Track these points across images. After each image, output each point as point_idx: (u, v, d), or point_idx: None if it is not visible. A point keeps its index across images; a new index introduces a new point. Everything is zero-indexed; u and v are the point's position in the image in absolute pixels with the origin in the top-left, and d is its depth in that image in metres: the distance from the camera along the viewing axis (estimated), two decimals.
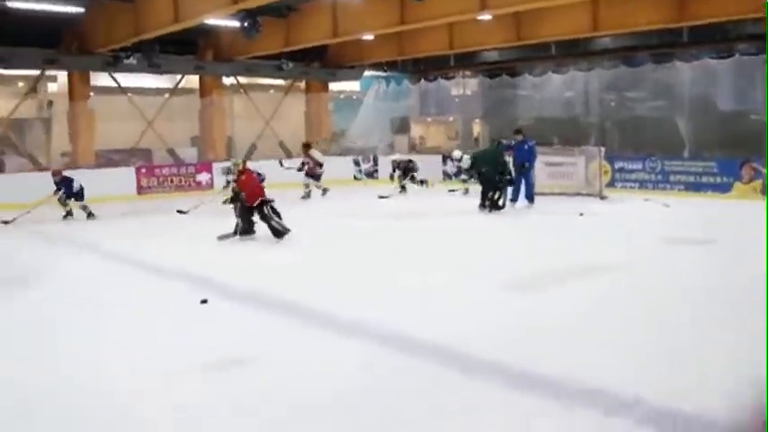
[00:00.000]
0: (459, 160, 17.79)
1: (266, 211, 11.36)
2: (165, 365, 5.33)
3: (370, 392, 4.74)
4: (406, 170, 19.17)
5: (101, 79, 22.24)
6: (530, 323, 6.29)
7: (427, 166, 20.40)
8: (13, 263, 10.20)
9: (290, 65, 22.79)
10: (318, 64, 24.65)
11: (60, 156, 23.64)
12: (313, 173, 18.27)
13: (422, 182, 19.17)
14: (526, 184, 15.48)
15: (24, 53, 19.42)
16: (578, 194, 16.94)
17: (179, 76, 23.69)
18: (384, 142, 26.86)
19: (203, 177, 21.05)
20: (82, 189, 15.28)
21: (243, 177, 11.86)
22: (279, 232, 11.31)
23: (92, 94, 21.44)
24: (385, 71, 26.31)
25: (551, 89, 23.99)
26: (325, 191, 18.55)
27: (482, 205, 14.75)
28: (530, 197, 15.50)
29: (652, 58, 20.78)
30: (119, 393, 4.80)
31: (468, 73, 27.07)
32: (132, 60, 19.63)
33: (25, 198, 16.43)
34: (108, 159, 22.38)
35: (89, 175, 19.40)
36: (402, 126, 28.15)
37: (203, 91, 23.42)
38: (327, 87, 26.10)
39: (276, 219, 11.38)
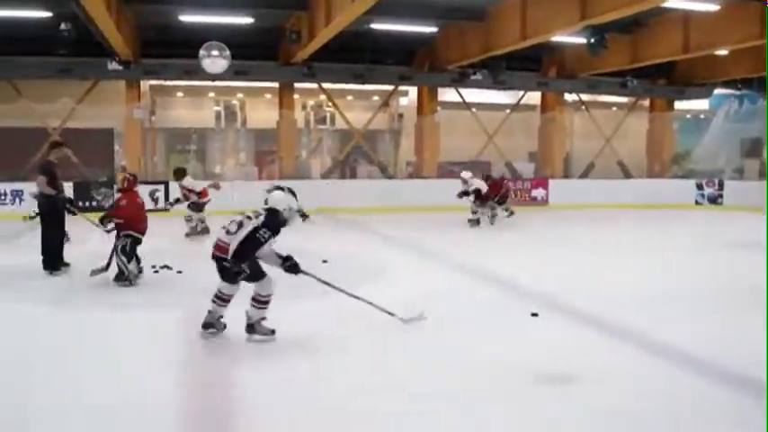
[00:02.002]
0: None
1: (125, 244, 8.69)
2: (490, 375, 5.37)
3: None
4: None
5: (447, 94, 23.35)
6: None
7: None
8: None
9: (635, 82, 22.11)
10: (664, 81, 23.60)
11: (406, 165, 25.22)
12: (197, 203, 13.93)
13: None
14: None
15: (381, 70, 21.05)
16: None
17: (521, 92, 24.06)
18: (731, 166, 24.93)
19: (539, 193, 21.18)
20: None
21: (123, 202, 9.09)
22: (120, 274, 8.69)
23: (438, 108, 22.54)
24: (738, 89, 24.34)
25: None
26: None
27: None
28: None
29: None
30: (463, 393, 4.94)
31: None
32: (478, 77, 20.37)
33: (375, 201, 17.84)
34: (449, 171, 23.37)
35: (431, 185, 20.56)
36: (753, 149, 25.84)
37: (544, 107, 23.57)
38: (673, 105, 24.86)
39: (124, 258, 8.64)
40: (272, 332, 6.17)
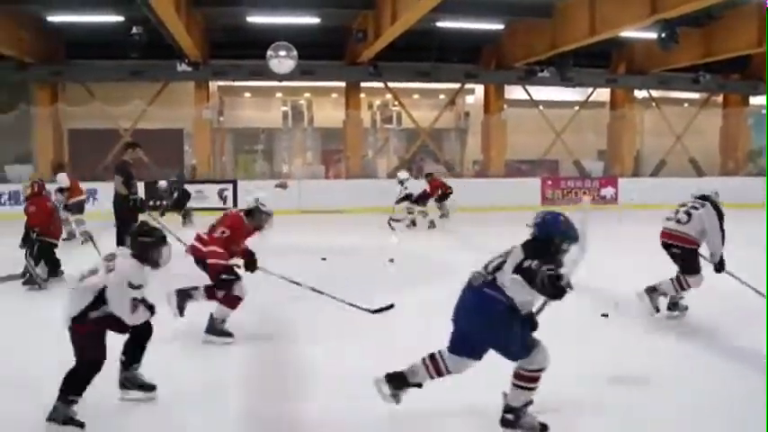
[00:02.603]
0: None
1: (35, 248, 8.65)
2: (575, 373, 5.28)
3: None
4: None
5: (514, 92, 23.13)
6: None
7: None
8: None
9: (707, 77, 21.48)
10: (738, 76, 22.93)
11: (472, 164, 25.08)
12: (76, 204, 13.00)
13: None
14: None
15: (447, 68, 20.99)
16: None
17: (590, 90, 23.68)
18: None
19: (608, 192, 20.78)
20: None
21: (32, 208, 8.88)
22: (29, 278, 8.71)
23: (505, 106, 22.33)
24: None
25: None
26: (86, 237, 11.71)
27: None
28: None
29: None
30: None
31: None
32: (546, 74, 20.09)
33: None
34: (516, 169, 23.17)
35: (497, 184, 20.38)
36: None
37: (614, 104, 23.17)
38: (747, 101, 24.12)
39: (32, 262, 8.63)
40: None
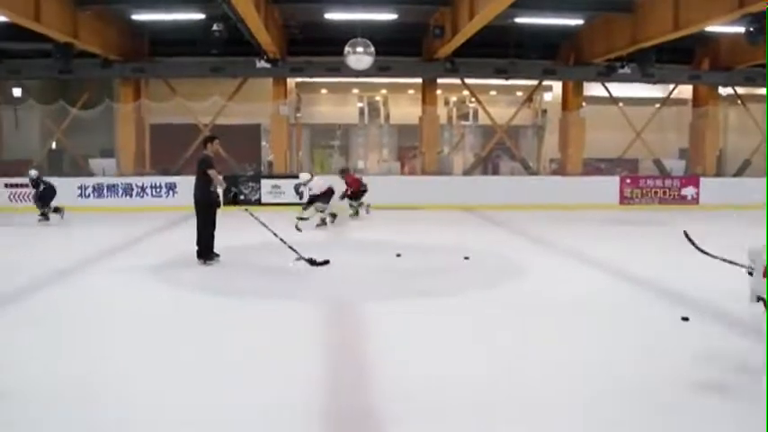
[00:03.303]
0: None
1: None
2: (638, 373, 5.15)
3: None
4: None
5: (593, 89, 22.73)
6: None
7: None
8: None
9: None
10: None
11: (549, 162, 24.76)
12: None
13: None
14: None
15: (524, 65, 20.74)
16: None
17: (671, 86, 23.08)
18: None
19: (689, 191, 20.25)
20: None
21: None
22: None
23: (584, 103, 21.97)
24: None
25: None
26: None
27: None
28: None
29: None
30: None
31: None
32: (626, 70, 19.62)
33: (517, 199, 17.60)
34: (594, 168, 22.77)
35: (574, 183, 20.12)
36: None
37: (696, 101, 22.52)
38: None
39: None
40: None
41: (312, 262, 9.32)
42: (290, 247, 9.59)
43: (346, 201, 16.16)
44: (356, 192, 16.30)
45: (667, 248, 12.12)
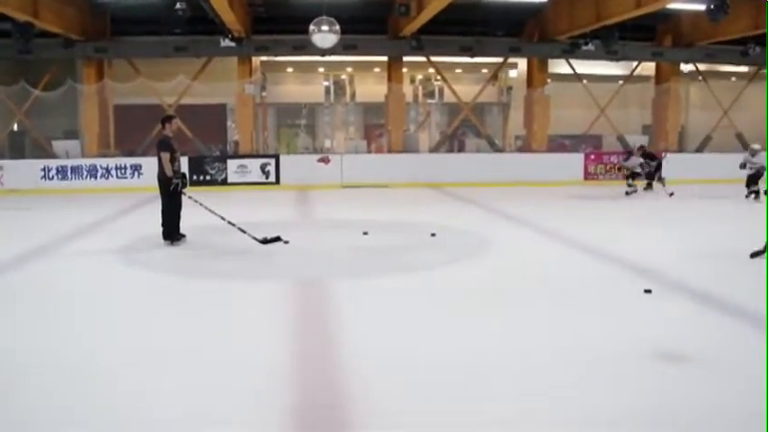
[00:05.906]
0: None
1: None
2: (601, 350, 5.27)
3: None
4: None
5: (557, 66, 22.87)
6: None
7: None
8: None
9: (757, 49, 20.99)
10: None
11: (514, 139, 24.93)
12: None
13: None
14: None
15: (490, 42, 20.81)
16: None
17: (634, 63, 23.30)
18: None
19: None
20: None
21: None
22: None
23: (548, 80, 22.11)
24: None
25: None
26: None
27: None
28: None
29: None
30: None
31: None
32: (590, 47, 19.77)
33: (483, 175, 17.67)
34: (559, 144, 22.96)
35: (539, 160, 20.30)
36: None
37: (659, 78, 22.77)
38: None
39: None
40: None
41: (264, 241, 9.35)
42: (240, 229, 9.59)
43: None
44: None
45: (630, 222, 12.35)
